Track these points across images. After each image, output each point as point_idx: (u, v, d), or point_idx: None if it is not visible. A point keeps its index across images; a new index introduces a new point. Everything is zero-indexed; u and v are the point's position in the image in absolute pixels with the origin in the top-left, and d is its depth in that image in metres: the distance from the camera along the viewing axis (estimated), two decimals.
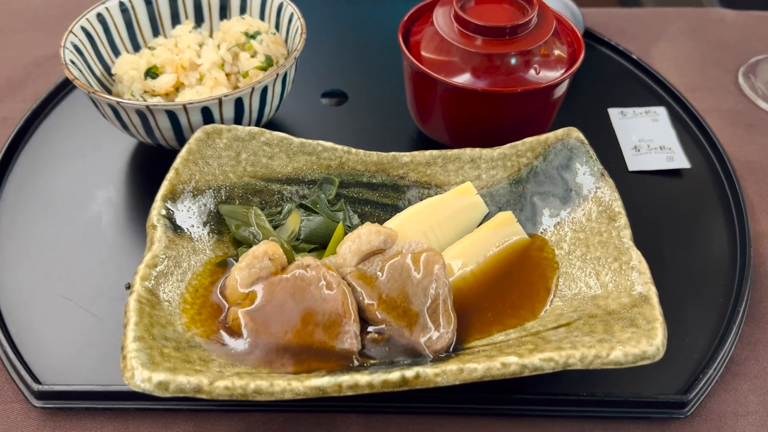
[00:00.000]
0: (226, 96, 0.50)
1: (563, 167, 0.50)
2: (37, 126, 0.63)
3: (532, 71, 0.53)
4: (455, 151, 0.52)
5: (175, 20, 0.63)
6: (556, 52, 0.55)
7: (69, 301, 0.49)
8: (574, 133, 0.51)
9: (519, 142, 0.52)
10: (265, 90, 0.53)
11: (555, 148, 0.51)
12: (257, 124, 0.56)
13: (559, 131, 0.51)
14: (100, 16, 0.58)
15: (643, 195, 0.58)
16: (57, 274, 0.51)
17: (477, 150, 0.52)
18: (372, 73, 0.70)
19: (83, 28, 0.57)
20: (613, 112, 0.66)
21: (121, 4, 0.60)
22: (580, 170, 0.50)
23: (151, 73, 0.56)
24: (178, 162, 0.48)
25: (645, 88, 0.69)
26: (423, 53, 0.55)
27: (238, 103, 0.51)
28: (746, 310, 0.50)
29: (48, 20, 0.79)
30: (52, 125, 0.63)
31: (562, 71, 0.54)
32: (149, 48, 0.59)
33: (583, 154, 0.50)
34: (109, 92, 0.58)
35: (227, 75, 0.57)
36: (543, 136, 0.51)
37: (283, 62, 0.59)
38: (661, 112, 0.65)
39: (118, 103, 0.49)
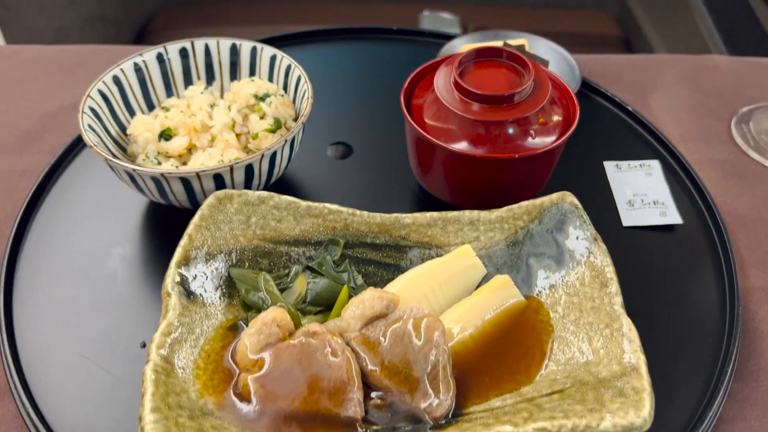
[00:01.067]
0: (237, 163, 0.53)
1: (558, 230, 0.53)
2: (54, 181, 0.65)
3: (529, 137, 0.56)
4: (455, 213, 0.55)
5: (187, 78, 0.66)
6: (553, 116, 0.57)
7: (86, 359, 0.51)
8: (569, 198, 0.53)
9: (516, 206, 0.54)
10: (274, 155, 0.55)
11: (550, 212, 0.53)
12: (266, 184, 0.58)
13: (554, 196, 0.53)
14: (115, 78, 0.61)
15: (636, 250, 0.61)
16: (75, 332, 0.53)
17: (476, 212, 0.54)
18: (376, 126, 0.72)
19: (100, 91, 0.60)
20: (609, 166, 0.68)
21: (135, 65, 0.62)
22: (574, 234, 0.52)
23: (165, 135, 0.58)
24: (191, 228, 0.50)
25: (640, 139, 0.72)
26: (425, 117, 0.58)
27: (249, 168, 0.54)
28: (735, 368, 0.52)
29: (62, 69, 0.81)
30: (69, 180, 0.66)
31: (558, 135, 0.57)
32: (163, 108, 0.62)
33: (577, 219, 0.52)
34: (124, 150, 0.61)
35: (237, 136, 0.60)
36: (538, 200, 0.54)
37: (291, 124, 0.62)
38: (655, 165, 0.68)
39: (134, 170, 0.52)
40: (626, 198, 0.64)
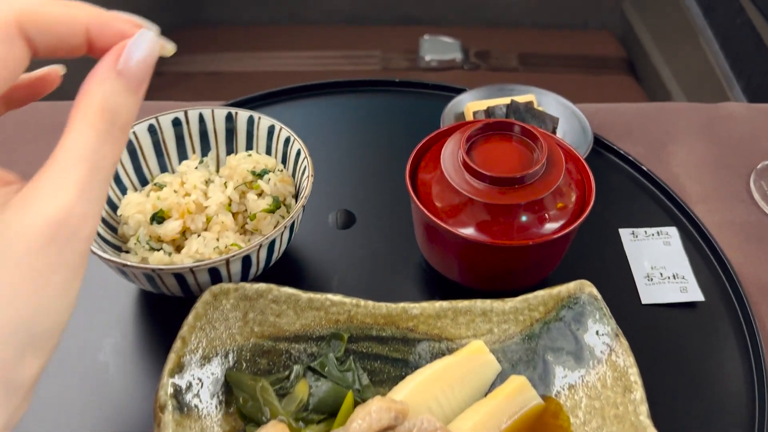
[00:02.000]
0: (233, 256, 0.49)
1: (576, 323, 0.50)
2: None
3: (542, 220, 0.52)
4: (465, 303, 0.51)
5: (181, 149, 0.62)
6: (567, 196, 0.54)
7: None
8: (587, 288, 0.50)
9: (531, 296, 0.51)
10: (272, 242, 0.52)
11: (567, 303, 0.50)
12: (265, 268, 0.55)
13: (572, 285, 0.50)
14: None
15: (656, 330, 0.57)
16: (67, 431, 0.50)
17: (488, 302, 0.51)
18: (381, 190, 0.69)
19: None
20: (624, 233, 0.65)
21: None
22: (593, 328, 0.49)
23: (158, 217, 0.55)
24: (184, 330, 0.47)
25: (656, 202, 0.68)
26: (432, 196, 0.54)
27: (246, 259, 0.51)
28: None
29: (55, 129, 0.78)
30: None
31: (573, 216, 0.53)
32: (156, 185, 0.59)
33: (597, 311, 0.49)
34: (115, 231, 0.58)
35: (234, 215, 0.57)
36: (555, 290, 0.51)
37: (291, 201, 0.58)
38: (673, 233, 0.64)
39: (125, 266, 0.49)
40: (644, 271, 0.61)
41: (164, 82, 1.65)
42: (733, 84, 1.45)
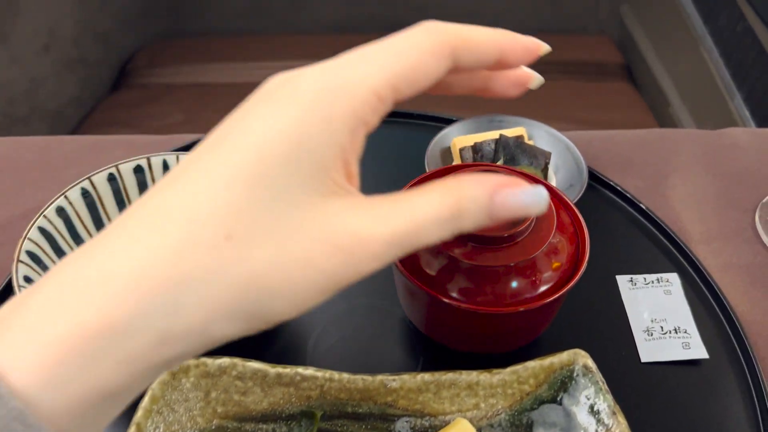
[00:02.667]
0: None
1: (570, 398, 0.45)
2: None
3: (532, 282, 0.48)
4: (450, 375, 0.47)
5: (143, 190, 0.58)
6: (559, 253, 0.50)
7: None
8: (581, 359, 0.46)
9: (520, 367, 0.47)
10: None
11: (560, 376, 0.46)
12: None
13: (565, 356, 0.46)
14: (60, 210, 0.54)
15: (656, 390, 0.53)
16: None
17: (474, 374, 0.47)
18: None
19: (41, 229, 0.52)
20: (622, 281, 0.60)
21: (83, 190, 0.55)
22: (587, 404, 0.45)
23: None
24: (139, 415, 0.43)
25: (655, 244, 0.64)
26: (413, 254, 0.50)
27: None
28: None
29: (16, 168, 0.74)
30: None
31: (566, 275, 0.49)
32: None
33: (592, 385, 0.45)
34: None
35: None
36: (547, 361, 0.46)
37: None
38: (674, 280, 0.60)
39: None
40: (644, 324, 0.57)
41: (150, 96, 1.60)
42: (734, 93, 1.41)
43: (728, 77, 1.43)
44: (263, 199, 0.23)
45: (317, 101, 0.24)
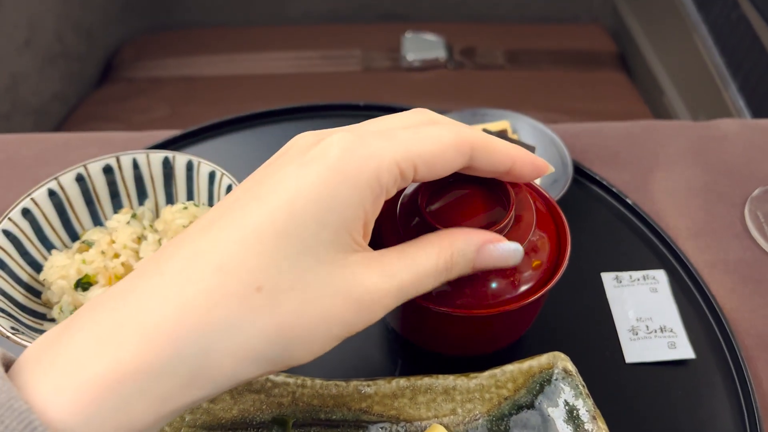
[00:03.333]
0: None
1: (549, 402, 0.44)
2: None
3: (512, 281, 0.46)
4: (426, 380, 0.46)
5: (115, 197, 0.56)
6: (539, 251, 0.48)
7: None
8: (561, 362, 0.44)
9: (498, 371, 0.45)
10: None
11: (540, 379, 0.44)
12: None
13: (544, 359, 0.45)
14: (26, 212, 0.52)
15: (641, 391, 0.52)
16: None
17: (450, 379, 0.45)
18: None
19: (5, 232, 0.50)
20: (607, 278, 0.59)
21: (50, 191, 0.53)
22: (566, 408, 0.43)
23: (83, 283, 0.49)
24: None
25: (642, 240, 0.62)
26: None
27: None
28: None
29: None
30: None
31: (547, 273, 0.48)
32: (84, 243, 0.53)
33: (572, 389, 0.43)
34: (38, 296, 0.52)
35: None
36: (525, 364, 0.45)
37: None
38: (661, 277, 0.58)
39: None
40: (629, 324, 0.55)
41: (135, 90, 1.58)
42: (729, 82, 1.39)
43: (723, 66, 1.41)
44: (292, 253, 0.25)
45: (346, 165, 0.26)
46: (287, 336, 0.25)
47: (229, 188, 0.54)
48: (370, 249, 0.29)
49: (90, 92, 1.58)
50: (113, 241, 0.52)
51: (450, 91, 1.57)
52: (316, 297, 0.26)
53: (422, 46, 1.75)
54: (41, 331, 0.47)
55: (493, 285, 0.46)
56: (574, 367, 0.44)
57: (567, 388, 0.43)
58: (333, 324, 0.26)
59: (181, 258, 0.26)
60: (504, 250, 0.34)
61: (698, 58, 1.50)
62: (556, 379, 0.44)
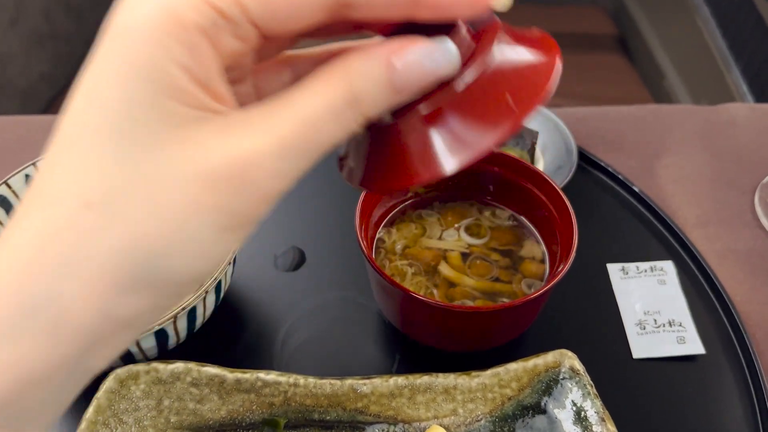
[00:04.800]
0: (142, 333, 0.41)
1: (555, 403, 0.42)
2: None
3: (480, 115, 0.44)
4: (425, 379, 0.43)
5: None
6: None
7: None
8: (568, 361, 0.42)
9: (501, 369, 0.43)
10: (193, 309, 0.44)
11: (545, 378, 0.42)
12: (189, 335, 0.47)
13: (550, 357, 0.42)
14: (2, 199, 0.49)
15: (649, 388, 0.49)
16: None
17: (451, 377, 0.43)
18: (335, 220, 0.60)
19: None
20: (613, 269, 0.56)
21: (27, 177, 0.50)
22: (575, 409, 0.41)
23: None
24: (83, 427, 0.39)
25: (649, 229, 0.60)
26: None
27: (160, 334, 0.42)
28: None
29: None
30: None
31: (555, 266, 0.45)
32: None
33: (580, 389, 0.41)
34: None
35: None
36: (530, 363, 0.43)
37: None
38: (669, 268, 0.56)
39: None
40: (636, 317, 0.53)
41: None
42: (731, 65, 1.36)
43: (725, 49, 1.38)
44: (109, 150, 0.20)
45: (131, 20, 0.21)
46: (147, 246, 0.20)
47: None
48: (234, 110, 0.22)
49: (79, 74, 1.54)
50: None
51: None
52: (164, 189, 0.20)
53: None
54: None
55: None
56: (582, 365, 0.42)
57: (574, 388, 0.41)
58: (203, 214, 0.21)
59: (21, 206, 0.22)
60: (424, 52, 0.22)
61: (700, 41, 1.47)
62: (563, 379, 0.42)
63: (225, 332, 0.51)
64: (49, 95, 1.46)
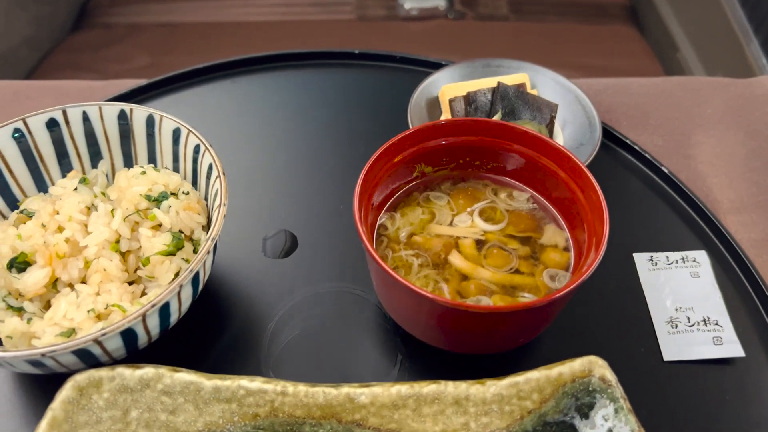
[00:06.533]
0: (104, 334, 0.35)
1: (584, 418, 0.36)
2: None
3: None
4: (432, 387, 0.38)
5: (63, 157, 0.47)
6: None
7: None
8: (598, 369, 0.36)
9: (521, 378, 0.37)
10: (166, 306, 0.38)
11: (572, 390, 0.36)
12: (163, 334, 0.41)
13: (577, 365, 0.37)
14: None
15: (682, 397, 0.44)
16: None
17: (463, 387, 0.37)
18: (332, 201, 0.54)
19: None
20: (640, 260, 0.51)
21: None
22: (606, 426, 0.35)
23: (18, 263, 0.41)
24: None
25: (679, 215, 0.54)
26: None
27: (127, 333, 0.37)
28: None
29: None
30: None
31: (579, 262, 0.39)
32: (23, 213, 0.44)
33: (612, 403, 0.36)
34: None
35: (124, 254, 0.42)
36: (554, 371, 0.37)
37: (201, 235, 0.44)
38: (702, 259, 0.50)
39: None
40: (666, 314, 0.47)
41: (113, 37, 1.46)
42: (751, 37, 1.29)
43: (744, 19, 1.31)
44: None
45: None
46: None
47: (196, 148, 0.45)
48: None
49: (64, 38, 1.46)
50: (57, 212, 0.43)
51: (450, 42, 1.46)
52: None
53: (423, 3, 1.64)
54: None
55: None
56: (614, 375, 0.36)
57: (606, 402, 0.36)
58: None
59: None
60: None
61: (717, 11, 1.39)
62: (593, 390, 0.36)
63: (203, 330, 0.46)
64: (32, 61, 1.39)
